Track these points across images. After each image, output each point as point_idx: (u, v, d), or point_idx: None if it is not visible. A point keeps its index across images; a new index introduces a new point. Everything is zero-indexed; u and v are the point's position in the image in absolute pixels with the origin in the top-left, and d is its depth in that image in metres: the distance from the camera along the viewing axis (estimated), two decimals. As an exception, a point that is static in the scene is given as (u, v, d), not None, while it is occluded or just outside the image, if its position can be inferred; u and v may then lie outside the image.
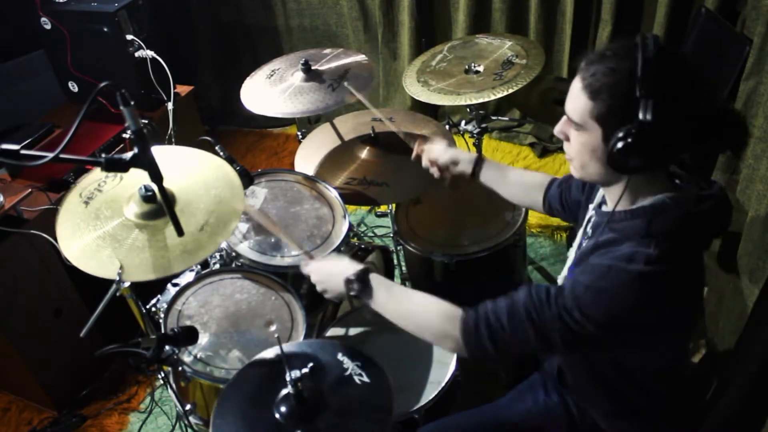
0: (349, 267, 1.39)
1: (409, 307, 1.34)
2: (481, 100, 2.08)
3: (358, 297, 1.36)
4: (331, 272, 1.42)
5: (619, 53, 1.11)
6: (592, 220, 1.36)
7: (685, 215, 1.16)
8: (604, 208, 1.30)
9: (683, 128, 1.11)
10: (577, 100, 1.15)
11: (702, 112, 1.13)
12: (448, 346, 1.28)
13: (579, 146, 1.19)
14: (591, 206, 1.42)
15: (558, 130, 1.23)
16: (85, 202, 1.54)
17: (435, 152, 1.67)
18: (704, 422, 1.75)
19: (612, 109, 1.10)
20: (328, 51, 2.34)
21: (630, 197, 1.20)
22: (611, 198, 1.25)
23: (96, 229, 1.48)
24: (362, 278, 1.36)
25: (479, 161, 1.63)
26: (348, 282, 1.36)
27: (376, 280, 1.36)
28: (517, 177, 1.64)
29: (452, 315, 1.26)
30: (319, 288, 1.45)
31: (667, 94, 1.07)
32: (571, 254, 1.42)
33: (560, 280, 1.45)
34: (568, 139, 1.22)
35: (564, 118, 1.21)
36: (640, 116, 1.06)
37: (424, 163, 1.70)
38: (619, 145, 1.08)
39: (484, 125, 2.41)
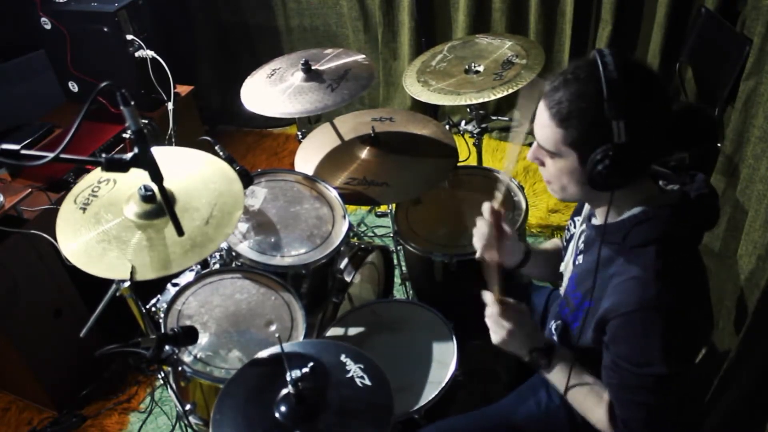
0: (537, 336, 1.35)
1: (574, 398, 1.33)
2: (481, 100, 2.09)
3: (538, 367, 1.35)
4: (523, 332, 1.34)
5: (581, 76, 1.10)
6: (584, 234, 1.36)
7: (673, 217, 1.16)
8: (594, 221, 1.30)
9: (658, 137, 1.12)
10: (546, 128, 1.15)
11: (672, 116, 1.13)
12: None
13: (556, 171, 1.19)
14: (577, 219, 1.43)
15: (531, 157, 1.23)
16: (82, 208, 1.54)
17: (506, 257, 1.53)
18: (704, 422, 1.75)
19: (584, 134, 1.11)
20: (329, 51, 2.33)
21: (617, 208, 1.21)
22: (599, 212, 1.26)
23: (100, 233, 1.48)
24: (548, 354, 1.33)
25: (527, 256, 1.56)
26: (536, 351, 1.33)
27: (559, 359, 1.33)
28: (546, 256, 1.61)
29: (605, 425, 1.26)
30: (495, 336, 1.36)
31: (636, 110, 1.07)
32: (567, 268, 1.41)
33: (562, 292, 1.45)
34: (543, 164, 1.22)
35: (535, 144, 1.20)
36: (615, 138, 1.06)
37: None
38: (598, 168, 1.09)
39: (484, 125, 2.41)
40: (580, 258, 1.36)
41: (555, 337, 1.37)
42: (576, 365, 1.32)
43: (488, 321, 1.35)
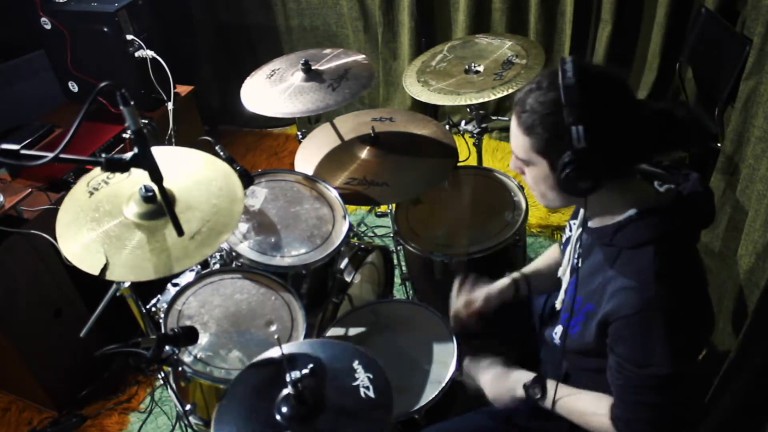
0: (520, 375, 1.43)
1: (572, 414, 1.35)
2: (481, 100, 2.08)
3: (538, 400, 1.39)
4: (506, 386, 1.44)
5: (543, 85, 1.13)
6: (583, 238, 1.36)
7: (668, 217, 1.17)
8: (590, 225, 1.30)
9: (624, 140, 1.13)
10: (516, 137, 1.18)
11: (639, 120, 1.14)
12: None
13: (533, 179, 1.22)
14: (573, 222, 1.43)
15: (512, 166, 1.26)
16: (90, 192, 1.52)
17: (480, 302, 1.63)
18: (704, 422, 1.75)
19: (549, 141, 1.13)
20: (328, 51, 2.34)
21: (612, 211, 1.21)
22: (593, 215, 1.26)
23: (91, 221, 1.46)
24: (540, 382, 1.38)
25: (523, 282, 1.62)
26: (528, 388, 1.39)
27: (550, 383, 1.38)
28: (547, 268, 1.64)
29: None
30: (492, 398, 1.46)
31: (595, 115, 1.08)
32: (565, 274, 1.41)
33: (558, 304, 1.44)
34: (524, 172, 1.24)
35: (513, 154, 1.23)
36: (574, 143, 1.07)
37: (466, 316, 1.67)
38: (564, 173, 1.10)
39: (484, 125, 2.41)
40: (580, 263, 1.36)
41: (557, 342, 1.37)
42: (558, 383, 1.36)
43: (482, 388, 1.49)
